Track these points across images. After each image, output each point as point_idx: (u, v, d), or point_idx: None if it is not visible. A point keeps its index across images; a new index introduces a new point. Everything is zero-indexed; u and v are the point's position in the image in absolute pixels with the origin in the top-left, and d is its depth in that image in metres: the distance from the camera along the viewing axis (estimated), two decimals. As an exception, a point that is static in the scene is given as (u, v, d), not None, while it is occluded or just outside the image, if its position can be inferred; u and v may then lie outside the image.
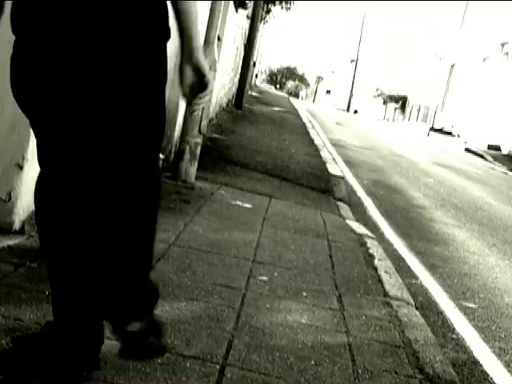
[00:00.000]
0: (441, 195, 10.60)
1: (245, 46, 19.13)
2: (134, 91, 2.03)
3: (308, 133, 16.82)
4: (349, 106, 57.80)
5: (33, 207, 3.63)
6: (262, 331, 3.01)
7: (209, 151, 8.65)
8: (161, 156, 6.72)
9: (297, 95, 65.98)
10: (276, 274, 4.01)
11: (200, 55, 2.13)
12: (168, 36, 2.10)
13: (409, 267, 5.47)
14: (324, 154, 12.50)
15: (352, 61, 64.17)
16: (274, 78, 77.38)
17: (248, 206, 6.15)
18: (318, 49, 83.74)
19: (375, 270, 4.63)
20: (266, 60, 64.45)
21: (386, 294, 4.08)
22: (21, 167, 3.47)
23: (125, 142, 2.06)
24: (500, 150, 27.53)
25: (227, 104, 17.55)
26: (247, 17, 17.87)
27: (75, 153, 2.05)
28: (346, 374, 2.75)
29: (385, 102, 61.90)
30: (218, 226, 5.02)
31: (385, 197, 9.21)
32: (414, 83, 51.54)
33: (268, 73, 76.35)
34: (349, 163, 12.38)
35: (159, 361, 2.46)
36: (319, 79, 78.03)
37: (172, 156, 7.21)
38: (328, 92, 76.53)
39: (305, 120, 21.79)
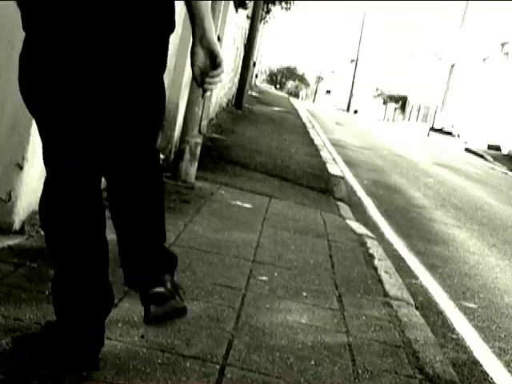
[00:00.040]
0: (441, 195, 10.60)
1: (245, 46, 19.14)
2: (137, 81, 2.06)
3: (308, 133, 16.83)
4: (349, 106, 57.79)
5: (33, 207, 3.64)
6: (262, 331, 3.01)
7: (209, 151, 8.65)
8: (161, 156, 6.72)
9: (297, 95, 65.97)
10: (276, 274, 4.01)
11: (212, 36, 2.12)
12: (172, 29, 2.12)
13: (409, 267, 5.47)
14: (324, 153, 12.51)
15: (352, 61, 64.17)
16: (274, 78, 77.37)
17: (248, 206, 6.15)
18: (318, 49, 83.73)
19: (375, 270, 4.63)
20: (266, 60, 64.45)
21: (386, 294, 4.08)
22: (21, 167, 3.47)
23: (127, 130, 2.10)
24: (500, 150, 27.52)
25: (227, 104, 17.55)
26: (247, 17, 17.88)
27: (77, 152, 2.07)
28: (346, 373, 2.75)
29: (385, 102, 61.89)
30: (217, 226, 5.02)
31: (385, 197, 9.20)
32: (414, 83, 51.52)
33: (268, 73, 76.33)
34: (349, 163, 12.38)
35: (159, 361, 2.46)
36: (319, 79, 78.02)
37: (172, 156, 7.21)
38: (328, 92, 76.51)
39: (305, 120, 21.79)
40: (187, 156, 6.52)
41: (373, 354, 3.02)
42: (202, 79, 2.15)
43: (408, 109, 53.37)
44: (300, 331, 3.12)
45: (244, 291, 3.56)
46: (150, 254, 2.19)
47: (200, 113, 6.91)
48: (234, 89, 19.37)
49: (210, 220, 5.16)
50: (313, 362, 2.78)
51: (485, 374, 3.57)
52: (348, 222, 6.41)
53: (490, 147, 27.95)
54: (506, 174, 19.36)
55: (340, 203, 7.59)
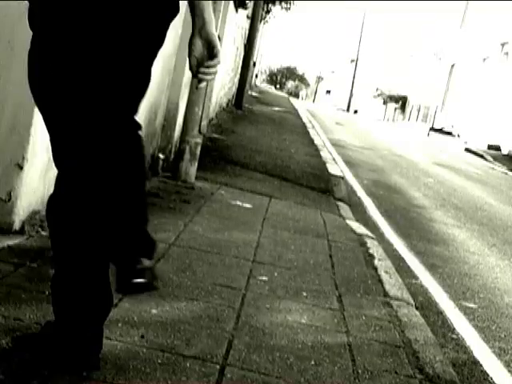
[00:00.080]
0: (441, 195, 10.61)
1: (245, 46, 19.14)
2: (129, 61, 2.07)
3: (308, 133, 16.83)
4: (349, 106, 57.81)
5: (33, 207, 3.64)
6: (262, 331, 3.01)
7: (209, 151, 8.65)
8: (161, 156, 6.73)
9: (297, 95, 65.99)
10: (276, 274, 4.01)
11: (212, 28, 2.14)
12: (177, 11, 2.15)
13: (409, 267, 5.47)
14: (324, 153, 12.51)
15: (352, 61, 64.20)
16: (274, 78, 77.39)
17: (248, 206, 6.15)
18: (318, 49, 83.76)
19: (375, 270, 4.63)
20: (266, 60, 64.48)
21: (386, 294, 4.08)
22: (21, 167, 3.47)
23: (110, 99, 2.09)
24: (500, 150, 27.54)
25: (227, 104, 17.56)
26: (247, 17, 17.88)
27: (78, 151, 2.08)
28: (346, 373, 2.75)
29: (385, 102, 61.92)
30: (217, 226, 5.02)
31: (385, 197, 9.21)
32: (414, 83, 51.55)
33: (268, 73, 76.36)
34: (349, 163, 12.38)
35: (159, 361, 2.46)
36: (319, 79, 78.05)
37: (172, 156, 7.21)
38: (328, 92, 76.55)
39: (305, 120, 21.80)
40: (187, 156, 6.53)
41: (373, 354, 3.02)
42: (197, 69, 2.17)
43: (408, 109, 53.41)
44: (300, 331, 3.12)
45: (244, 291, 3.56)
46: (129, 237, 2.16)
47: (200, 113, 6.92)
48: (234, 89, 19.38)
49: (210, 220, 5.16)
50: (313, 362, 2.78)
51: (485, 374, 3.57)
52: (348, 221, 6.41)
53: (489, 147, 27.97)
54: (506, 174, 19.37)
55: (340, 203, 7.59)
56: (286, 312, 3.35)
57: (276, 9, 22.16)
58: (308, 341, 3.01)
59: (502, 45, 33.63)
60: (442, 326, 4.18)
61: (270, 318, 3.21)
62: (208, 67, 2.17)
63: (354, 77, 59.72)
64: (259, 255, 4.39)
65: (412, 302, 4.14)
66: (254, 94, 29.78)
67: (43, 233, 3.65)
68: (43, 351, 2.18)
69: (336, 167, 10.85)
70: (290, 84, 78.07)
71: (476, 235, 7.71)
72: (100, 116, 2.08)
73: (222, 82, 14.28)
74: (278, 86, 72.13)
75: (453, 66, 41.92)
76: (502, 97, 30.79)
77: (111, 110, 2.09)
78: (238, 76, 19.44)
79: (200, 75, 2.18)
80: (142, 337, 2.63)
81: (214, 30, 2.15)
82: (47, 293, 2.70)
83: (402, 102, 57.19)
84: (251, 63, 21.26)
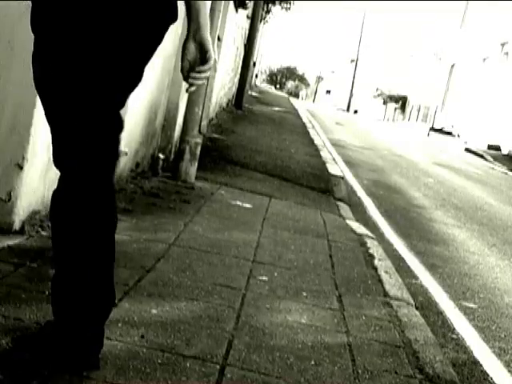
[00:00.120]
0: (441, 195, 10.61)
1: (245, 46, 19.15)
2: (123, 52, 2.07)
3: (308, 133, 16.84)
4: (349, 106, 57.83)
5: (33, 207, 3.64)
6: (262, 331, 3.01)
7: (209, 151, 8.65)
8: (161, 156, 6.73)
9: (297, 95, 66.03)
10: (276, 274, 4.01)
11: (206, 33, 2.14)
12: (175, 18, 2.14)
13: (409, 267, 5.47)
14: (324, 153, 12.51)
15: (352, 61, 64.22)
16: (274, 78, 77.44)
17: (248, 206, 6.15)
18: (318, 49, 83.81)
19: (375, 270, 4.63)
20: (266, 60, 64.53)
21: (386, 294, 4.08)
22: (21, 167, 3.47)
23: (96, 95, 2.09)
24: (500, 150, 27.55)
25: (227, 104, 17.56)
26: (247, 17, 17.89)
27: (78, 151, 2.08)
28: (346, 373, 2.75)
29: (385, 102, 61.94)
30: (218, 226, 5.02)
31: (385, 197, 9.21)
32: (414, 83, 51.57)
33: (268, 73, 76.41)
34: (349, 163, 12.39)
35: (159, 361, 2.46)
36: (319, 79, 78.07)
37: (172, 156, 7.21)
38: (328, 92, 76.57)
39: (305, 120, 21.81)
40: (187, 156, 6.53)
41: (373, 354, 3.02)
42: (188, 73, 2.17)
43: (408, 109, 53.42)
44: (300, 331, 3.12)
45: (244, 291, 3.56)
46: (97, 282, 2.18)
47: (200, 113, 6.92)
48: (234, 89, 19.38)
49: (210, 220, 5.16)
50: (313, 362, 2.78)
51: (485, 374, 3.57)
52: (348, 221, 6.41)
53: (489, 147, 27.99)
54: (506, 174, 19.38)
55: (340, 203, 7.59)
56: (286, 312, 3.35)
57: (276, 9, 22.17)
58: (308, 341, 3.01)
59: (502, 45, 33.65)
60: (442, 326, 4.18)
61: (270, 318, 3.21)
62: (199, 72, 2.18)
63: (353, 77, 59.74)
64: (259, 255, 4.39)
65: (412, 302, 4.14)
66: (253, 93, 29.79)
67: (43, 233, 3.65)
68: (43, 351, 2.18)
69: (336, 167, 10.85)
70: (290, 84, 78.10)
71: (476, 235, 7.71)
72: (90, 109, 2.08)
73: (222, 82, 14.29)
74: (277, 86, 72.16)
75: (453, 66, 41.93)
76: (502, 97, 30.81)
77: (100, 104, 2.09)
78: (237, 76, 19.45)
79: (191, 79, 2.19)
80: (142, 337, 2.63)
81: (208, 34, 2.15)
82: (47, 293, 2.70)
83: (402, 102, 57.21)
84: (251, 63, 21.26)
